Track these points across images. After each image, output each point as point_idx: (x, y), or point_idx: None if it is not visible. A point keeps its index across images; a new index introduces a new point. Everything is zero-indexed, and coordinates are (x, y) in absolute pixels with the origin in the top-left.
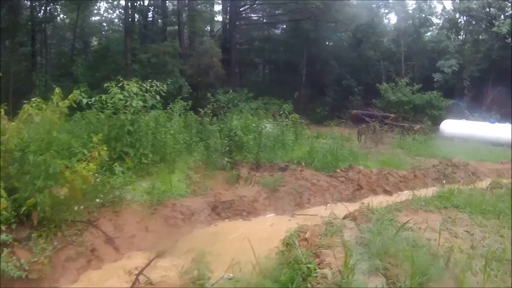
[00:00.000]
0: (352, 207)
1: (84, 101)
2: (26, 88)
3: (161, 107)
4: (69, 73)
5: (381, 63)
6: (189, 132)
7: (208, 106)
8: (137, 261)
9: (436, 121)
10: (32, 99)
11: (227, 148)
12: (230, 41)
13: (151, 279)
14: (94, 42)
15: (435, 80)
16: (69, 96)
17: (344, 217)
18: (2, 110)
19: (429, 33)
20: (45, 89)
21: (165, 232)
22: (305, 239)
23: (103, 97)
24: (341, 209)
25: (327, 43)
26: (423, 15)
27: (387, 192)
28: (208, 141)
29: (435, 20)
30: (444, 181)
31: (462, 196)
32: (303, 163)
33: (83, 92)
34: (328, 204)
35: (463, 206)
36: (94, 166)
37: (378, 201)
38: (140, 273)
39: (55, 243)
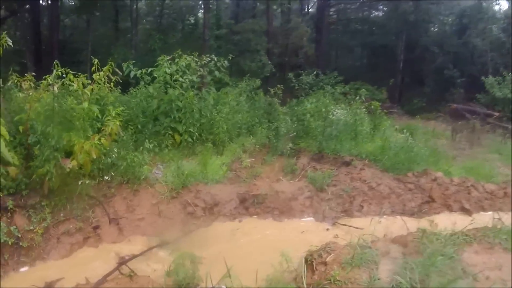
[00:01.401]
0: (414, 224)
1: (132, 73)
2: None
3: (229, 83)
4: (151, 50)
5: (488, 53)
6: (253, 112)
7: (278, 86)
8: (136, 247)
9: None
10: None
11: (295, 133)
12: (322, 21)
13: (135, 271)
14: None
15: None
16: (104, 68)
17: (392, 241)
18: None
19: None
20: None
21: (178, 220)
22: (325, 263)
23: (150, 70)
24: (399, 225)
25: (428, 27)
26: None
27: (466, 211)
28: (274, 123)
29: None
30: None
31: None
32: (366, 160)
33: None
34: (385, 217)
35: None
36: (106, 141)
37: (451, 221)
38: (124, 263)
39: (61, 215)
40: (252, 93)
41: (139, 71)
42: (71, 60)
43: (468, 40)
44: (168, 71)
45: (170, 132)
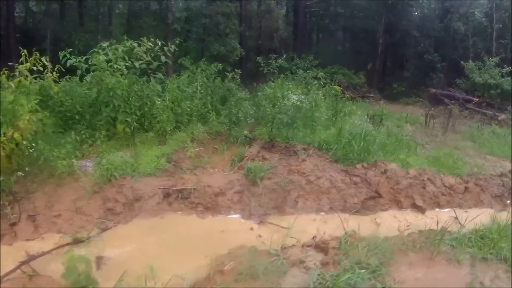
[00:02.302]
0: (355, 222)
1: (70, 62)
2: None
3: (189, 68)
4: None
5: (469, 38)
6: (207, 99)
7: (235, 70)
8: (48, 245)
9: None
10: None
11: (252, 120)
12: (299, 3)
13: (44, 270)
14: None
15: None
16: (30, 59)
17: (315, 245)
18: None
19: None
20: (85, 49)
21: (96, 217)
22: (223, 272)
23: (84, 58)
24: (336, 224)
25: (409, 10)
26: None
27: (418, 208)
28: (232, 110)
29: None
30: (508, 202)
31: None
32: (315, 149)
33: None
34: (322, 214)
35: None
36: (18, 136)
37: (398, 220)
38: (26, 262)
39: None
40: (211, 78)
41: (74, 60)
42: (34, 48)
43: (449, 24)
44: (101, 58)
45: (112, 122)
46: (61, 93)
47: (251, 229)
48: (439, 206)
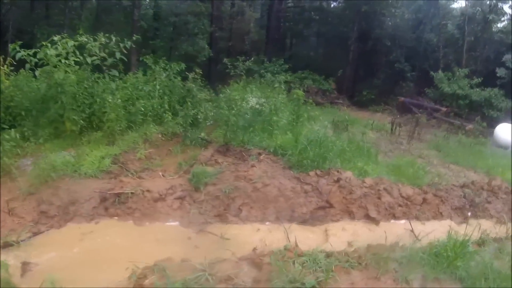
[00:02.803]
0: (303, 234)
1: (19, 55)
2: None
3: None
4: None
5: (441, 49)
6: (165, 99)
7: (197, 70)
8: None
9: (493, 123)
10: None
11: (211, 122)
12: (272, 7)
13: None
14: None
15: (498, 75)
16: None
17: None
18: None
19: (499, 24)
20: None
21: (29, 220)
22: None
23: (33, 51)
24: (281, 235)
25: (382, 19)
26: (494, 1)
27: (371, 219)
28: (192, 111)
29: (507, 9)
30: (469, 214)
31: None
32: (266, 155)
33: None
34: (267, 223)
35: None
36: None
37: (347, 232)
38: None
39: None
40: (171, 78)
41: (23, 53)
42: None
43: (421, 35)
44: (50, 52)
45: (60, 120)
46: (12, 88)
47: (189, 238)
48: (395, 217)
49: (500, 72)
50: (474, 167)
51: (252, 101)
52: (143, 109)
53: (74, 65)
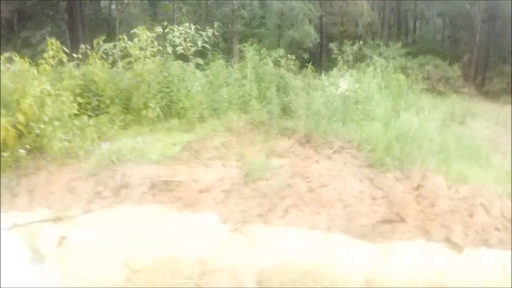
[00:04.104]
0: (356, 250)
1: (101, 48)
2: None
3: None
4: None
5: None
6: (256, 86)
7: (289, 56)
8: (33, 218)
9: None
10: None
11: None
12: None
13: None
14: None
15: None
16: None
17: None
18: None
19: None
20: None
21: (84, 198)
22: None
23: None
24: (327, 248)
25: None
26: None
27: (452, 244)
28: (285, 99)
29: None
30: None
31: None
32: (335, 150)
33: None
34: (318, 231)
35: None
36: (23, 118)
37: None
38: None
39: None
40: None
41: (106, 46)
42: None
43: None
44: (130, 44)
45: (141, 107)
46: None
47: (219, 236)
48: (487, 245)
49: None
50: None
51: (343, 86)
52: (226, 96)
53: (151, 56)
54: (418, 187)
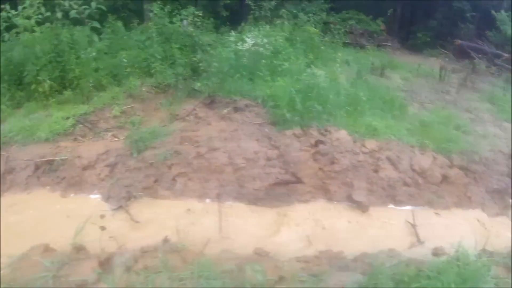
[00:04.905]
0: (248, 217)
1: None
2: None
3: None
4: None
5: None
6: (155, 48)
7: (196, 13)
8: None
9: None
10: None
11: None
12: None
13: None
14: None
15: None
16: None
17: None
18: None
19: None
20: None
21: None
22: None
23: None
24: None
25: None
26: None
27: (356, 203)
28: (193, 59)
29: None
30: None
31: None
32: (233, 109)
33: None
34: (207, 201)
35: None
36: None
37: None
38: None
39: None
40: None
41: None
42: None
43: None
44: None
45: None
46: None
47: (102, 217)
48: (395, 202)
49: None
50: None
51: (249, 42)
52: (125, 60)
53: (38, 24)
54: (316, 144)
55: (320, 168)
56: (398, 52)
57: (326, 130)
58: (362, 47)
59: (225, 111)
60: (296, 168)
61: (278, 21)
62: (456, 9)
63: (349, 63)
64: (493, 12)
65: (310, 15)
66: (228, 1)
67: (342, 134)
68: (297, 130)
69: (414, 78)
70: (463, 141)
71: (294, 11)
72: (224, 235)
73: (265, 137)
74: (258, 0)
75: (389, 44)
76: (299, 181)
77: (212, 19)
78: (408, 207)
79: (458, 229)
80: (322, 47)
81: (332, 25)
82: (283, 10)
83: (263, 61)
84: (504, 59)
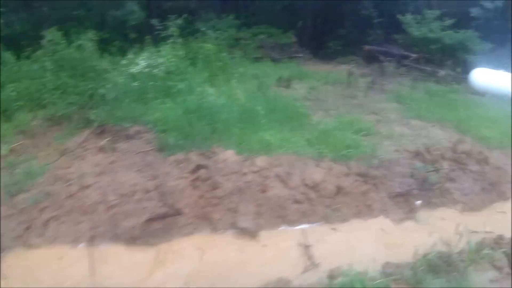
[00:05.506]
0: (125, 259)
1: None
2: None
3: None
4: None
5: None
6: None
7: (94, 32)
8: None
9: (469, 68)
10: None
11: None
12: None
13: None
14: None
15: (472, 16)
16: None
17: None
18: None
19: None
20: None
21: None
22: None
23: None
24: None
25: None
26: None
27: (242, 230)
28: (88, 86)
29: None
30: (418, 203)
31: None
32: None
33: None
34: (81, 246)
35: None
36: None
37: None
38: None
39: None
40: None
41: None
42: None
43: None
44: None
45: None
46: None
47: None
48: (287, 222)
49: (474, 12)
50: (441, 121)
51: (142, 64)
52: (13, 93)
53: None
54: (197, 168)
55: (201, 196)
56: (310, 63)
57: (211, 152)
58: (274, 60)
59: (104, 141)
60: (174, 199)
61: (179, 40)
62: (364, 16)
63: (258, 77)
64: (399, 16)
65: (219, 31)
66: (134, 23)
67: (229, 155)
68: (179, 156)
69: (322, 86)
70: (365, 145)
71: (203, 29)
72: (97, 283)
73: (147, 167)
74: (164, 20)
75: (301, 55)
76: (178, 213)
77: (118, 41)
78: (302, 226)
79: (359, 244)
80: (220, 63)
81: (243, 41)
82: (189, 28)
83: (156, 83)
84: (412, 59)
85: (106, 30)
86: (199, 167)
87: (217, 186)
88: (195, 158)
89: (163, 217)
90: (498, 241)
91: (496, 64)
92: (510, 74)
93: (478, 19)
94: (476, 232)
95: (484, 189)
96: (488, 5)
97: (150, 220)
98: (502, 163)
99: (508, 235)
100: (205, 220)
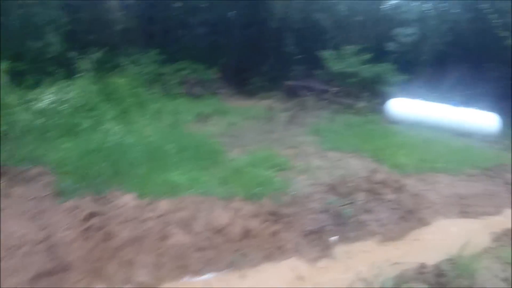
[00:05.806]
0: None
1: None
2: None
3: None
4: None
5: (331, 30)
6: None
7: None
8: None
9: (386, 99)
10: None
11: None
12: None
13: None
14: None
15: (389, 50)
16: None
17: None
18: None
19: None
20: None
21: None
22: None
23: None
24: None
25: (265, 1)
26: None
27: (139, 284)
28: None
29: None
30: (334, 239)
31: None
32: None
33: None
34: None
35: None
36: None
37: None
38: None
39: None
40: None
41: None
42: None
43: (310, 15)
44: None
45: None
46: None
47: None
48: (188, 272)
49: (391, 46)
50: (358, 152)
51: (47, 99)
52: None
53: None
54: (89, 216)
55: (93, 248)
56: (233, 99)
57: (108, 197)
58: (196, 96)
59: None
60: (63, 252)
61: (92, 74)
62: (286, 53)
63: (176, 113)
64: (318, 52)
65: (141, 66)
66: (52, 55)
67: (129, 199)
68: (72, 202)
69: (242, 122)
70: (278, 182)
71: (124, 63)
72: None
73: (40, 214)
74: (84, 53)
75: (223, 91)
76: (66, 268)
77: (35, 74)
78: (207, 276)
79: None
80: (135, 99)
81: (165, 76)
82: (109, 62)
83: (61, 120)
84: (332, 93)
85: (23, 62)
86: (92, 214)
87: (112, 236)
88: (88, 204)
89: (50, 273)
90: (420, 270)
91: (411, 93)
92: (424, 102)
93: (394, 52)
94: (397, 263)
95: (402, 217)
96: (404, 39)
97: (37, 277)
98: (419, 189)
99: (430, 263)
100: (98, 276)
